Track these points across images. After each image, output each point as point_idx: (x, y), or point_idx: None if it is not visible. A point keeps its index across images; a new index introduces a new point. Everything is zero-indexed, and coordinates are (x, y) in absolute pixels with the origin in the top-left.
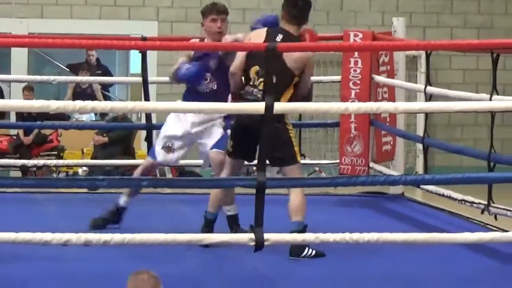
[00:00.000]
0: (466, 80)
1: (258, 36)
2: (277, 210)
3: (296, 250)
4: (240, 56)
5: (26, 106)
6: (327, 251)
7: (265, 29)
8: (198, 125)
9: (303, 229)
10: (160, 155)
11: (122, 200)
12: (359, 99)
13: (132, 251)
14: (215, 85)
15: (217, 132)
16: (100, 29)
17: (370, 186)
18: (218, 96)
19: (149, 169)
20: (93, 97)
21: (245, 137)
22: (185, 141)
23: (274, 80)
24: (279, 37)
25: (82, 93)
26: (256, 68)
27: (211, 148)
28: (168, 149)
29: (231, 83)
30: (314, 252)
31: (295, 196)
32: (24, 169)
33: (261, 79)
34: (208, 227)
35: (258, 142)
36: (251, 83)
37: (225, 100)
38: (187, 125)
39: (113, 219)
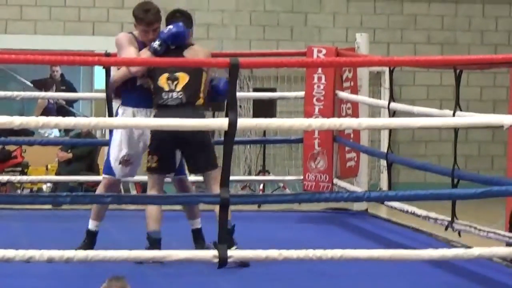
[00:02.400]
0: (430, 96)
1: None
2: (241, 226)
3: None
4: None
5: None
6: (292, 268)
7: None
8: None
9: (231, 229)
10: (118, 170)
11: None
12: (323, 115)
13: (95, 268)
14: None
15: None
16: (64, 45)
17: (334, 202)
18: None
19: (111, 187)
20: (58, 114)
21: (171, 150)
22: (139, 151)
23: (191, 82)
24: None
25: (47, 108)
26: (166, 75)
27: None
28: (125, 162)
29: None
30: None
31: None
32: None
33: (176, 81)
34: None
35: (185, 152)
36: (166, 89)
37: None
38: (137, 134)
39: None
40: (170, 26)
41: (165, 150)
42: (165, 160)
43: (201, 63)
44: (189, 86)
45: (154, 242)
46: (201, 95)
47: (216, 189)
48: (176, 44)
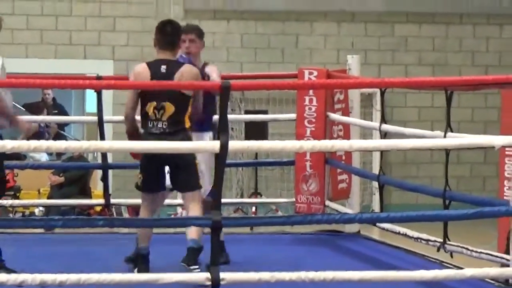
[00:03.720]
0: (421, 118)
1: (139, 74)
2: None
3: (190, 258)
4: (131, 98)
5: None
6: None
7: (143, 63)
8: None
9: (199, 248)
10: None
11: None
12: (314, 137)
13: None
14: (167, 128)
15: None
16: (55, 68)
17: (326, 225)
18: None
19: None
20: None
21: (156, 170)
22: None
23: (177, 111)
24: (163, 68)
25: (39, 133)
26: (153, 103)
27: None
28: None
29: (126, 124)
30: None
31: (193, 214)
32: None
33: (162, 111)
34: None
35: (173, 170)
36: (152, 118)
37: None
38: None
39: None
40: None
41: (150, 169)
42: (149, 179)
43: (192, 86)
44: (174, 116)
45: (142, 257)
46: (187, 120)
47: (193, 209)
48: None
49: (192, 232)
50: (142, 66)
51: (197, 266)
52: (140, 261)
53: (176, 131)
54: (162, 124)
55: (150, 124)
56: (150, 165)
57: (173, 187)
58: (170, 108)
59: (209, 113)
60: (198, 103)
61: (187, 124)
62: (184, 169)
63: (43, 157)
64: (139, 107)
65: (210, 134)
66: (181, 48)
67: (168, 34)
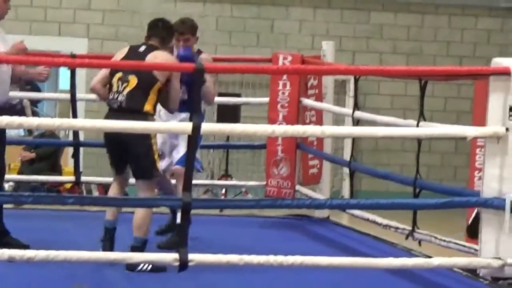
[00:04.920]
0: (394, 106)
1: (121, 53)
2: (203, 230)
3: (131, 263)
4: (102, 73)
5: None
6: (252, 273)
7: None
8: (172, 135)
9: (143, 245)
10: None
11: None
12: (287, 122)
13: (57, 269)
14: (186, 96)
15: (183, 145)
16: (30, 45)
17: (296, 209)
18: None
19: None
20: (22, 113)
21: (112, 152)
22: (167, 148)
23: (137, 87)
24: (142, 48)
25: (11, 109)
26: (119, 74)
27: (176, 163)
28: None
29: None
30: (150, 266)
31: (140, 211)
32: None
33: (126, 84)
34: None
35: (124, 154)
36: (114, 89)
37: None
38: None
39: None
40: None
41: (109, 151)
42: (112, 160)
43: (166, 67)
44: (135, 92)
45: (106, 231)
46: (148, 102)
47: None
48: None
49: (135, 227)
50: (125, 47)
51: (140, 267)
52: (105, 236)
53: (133, 110)
54: (122, 97)
55: (111, 96)
56: (108, 145)
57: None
58: (133, 81)
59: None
60: (174, 90)
61: (149, 109)
62: (135, 155)
63: (18, 133)
64: None
65: (184, 115)
66: (176, 47)
67: (159, 28)
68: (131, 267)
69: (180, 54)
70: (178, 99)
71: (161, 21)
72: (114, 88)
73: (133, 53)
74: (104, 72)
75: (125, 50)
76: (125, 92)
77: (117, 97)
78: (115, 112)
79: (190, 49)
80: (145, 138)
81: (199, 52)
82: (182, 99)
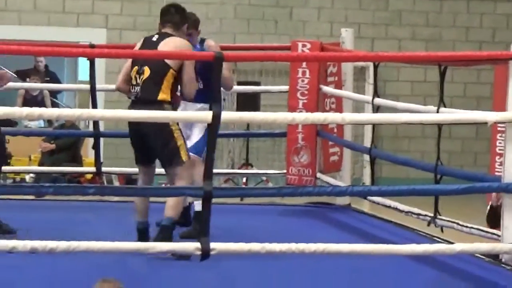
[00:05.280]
0: (414, 92)
1: (137, 46)
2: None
3: (160, 238)
4: (123, 71)
5: None
6: (273, 261)
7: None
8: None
9: (173, 225)
10: None
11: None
12: (307, 110)
13: (78, 259)
14: (201, 84)
15: (196, 133)
16: (48, 36)
17: (317, 197)
18: (206, 93)
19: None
20: (42, 104)
21: (136, 143)
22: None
23: (150, 77)
24: (155, 37)
25: (32, 100)
26: (136, 67)
27: (191, 151)
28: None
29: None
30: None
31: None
32: None
33: (142, 75)
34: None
35: (149, 146)
36: (133, 82)
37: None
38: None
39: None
40: None
41: (133, 143)
42: (137, 152)
43: (185, 56)
44: (147, 82)
45: (138, 232)
46: (162, 91)
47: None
48: None
49: (168, 208)
50: (141, 40)
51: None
52: (138, 237)
53: (148, 100)
54: (138, 89)
55: (131, 89)
56: (132, 137)
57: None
58: (146, 72)
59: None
60: (187, 76)
61: (164, 97)
62: (158, 145)
63: (34, 124)
64: None
65: (203, 105)
66: None
67: (171, 13)
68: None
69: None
70: (193, 85)
71: (172, 7)
72: (133, 82)
73: (147, 43)
74: (125, 70)
75: (139, 43)
76: (140, 82)
77: (135, 89)
78: (133, 104)
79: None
80: (165, 126)
81: (203, 40)
82: (197, 89)
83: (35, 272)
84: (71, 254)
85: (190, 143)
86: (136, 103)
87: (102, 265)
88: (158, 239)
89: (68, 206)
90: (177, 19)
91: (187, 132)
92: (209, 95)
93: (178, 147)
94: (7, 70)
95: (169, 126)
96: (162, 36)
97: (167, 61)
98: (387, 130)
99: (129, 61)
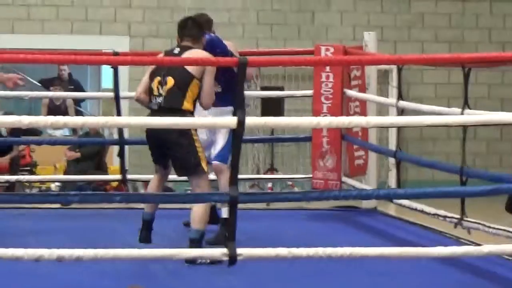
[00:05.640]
0: (438, 94)
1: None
2: (250, 225)
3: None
4: (142, 81)
5: None
6: (300, 266)
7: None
8: (209, 131)
9: (201, 237)
10: None
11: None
12: (331, 114)
13: (105, 267)
14: (220, 88)
15: (220, 140)
16: (71, 44)
17: (342, 201)
18: (224, 96)
19: None
20: (67, 113)
21: (154, 149)
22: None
23: (175, 87)
24: (176, 50)
25: (56, 109)
26: (158, 78)
27: (213, 159)
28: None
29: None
30: (208, 260)
31: (197, 205)
32: None
33: (165, 86)
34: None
35: (166, 151)
36: (155, 93)
37: (230, 99)
38: (203, 130)
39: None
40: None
41: (151, 149)
42: (154, 156)
43: (209, 62)
44: (172, 91)
45: (144, 223)
46: (187, 100)
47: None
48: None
49: (195, 221)
50: (160, 54)
51: (199, 261)
52: (142, 227)
53: (172, 109)
54: (161, 99)
55: (153, 99)
56: (149, 142)
57: (175, 170)
58: (170, 82)
59: (231, 89)
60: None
61: (188, 107)
62: (178, 153)
63: (59, 133)
64: None
65: (230, 108)
66: None
67: (189, 27)
68: (190, 260)
69: (212, 37)
70: (211, 95)
71: (190, 19)
72: (155, 92)
73: (168, 55)
74: (145, 81)
75: (161, 55)
76: (164, 93)
77: (157, 99)
78: (155, 113)
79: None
80: (185, 136)
81: None
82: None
83: (62, 280)
84: (98, 262)
85: (215, 151)
86: (158, 112)
87: (129, 272)
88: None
89: (94, 214)
90: (195, 32)
91: (211, 137)
92: (233, 100)
93: (199, 157)
94: (23, 75)
95: (191, 136)
96: (184, 48)
97: (190, 70)
98: (412, 132)
99: (148, 73)
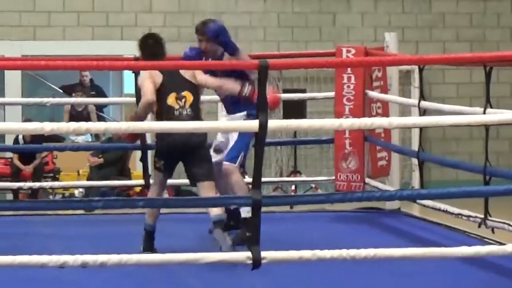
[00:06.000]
0: (460, 94)
1: (157, 75)
2: (274, 227)
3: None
4: (150, 88)
5: (21, 128)
6: (325, 268)
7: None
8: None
9: (222, 219)
10: (212, 156)
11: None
12: (353, 115)
13: (129, 272)
14: (193, 114)
15: (232, 142)
16: (93, 50)
17: (366, 202)
18: (234, 99)
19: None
20: (89, 119)
21: (174, 158)
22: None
23: (195, 100)
24: None
25: (78, 115)
26: (174, 94)
27: (225, 160)
28: (217, 151)
29: (144, 110)
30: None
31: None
32: (16, 192)
33: (184, 100)
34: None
35: (187, 158)
36: (176, 108)
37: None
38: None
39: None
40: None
41: (171, 155)
42: (168, 164)
43: (229, 66)
44: (195, 104)
45: (147, 234)
46: (200, 111)
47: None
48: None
49: (213, 210)
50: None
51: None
52: (145, 238)
53: (199, 117)
54: (188, 111)
55: (177, 113)
56: (169, 149)
57: (190, 177)
58: (190, 97)
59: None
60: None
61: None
62: (202, 158)
63: (80, 138)
64: None
65: (242, 114)
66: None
67: (150, 46)
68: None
69: (187, 54)
70: (218, 81)
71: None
72: (175, 106)
73: (170, 72)
74: (152, 87)
75: (157, 72)
76: (187, 107)
77: (183, 111)
78: (177, 119)
79: (197, 49)
80: (205, 141)
81: None
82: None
83: (87, 286)
84: (122, 267)
85: (226, 151)
86: (180, 119)
87: (152, 277)
88: (218, 233)
89: (118, 220)
90: (158, 50)
91: (224, 140)
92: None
93: (211, 164)
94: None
95: (206, 142)
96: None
97: (193, 81)
98: (435, 132)
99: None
